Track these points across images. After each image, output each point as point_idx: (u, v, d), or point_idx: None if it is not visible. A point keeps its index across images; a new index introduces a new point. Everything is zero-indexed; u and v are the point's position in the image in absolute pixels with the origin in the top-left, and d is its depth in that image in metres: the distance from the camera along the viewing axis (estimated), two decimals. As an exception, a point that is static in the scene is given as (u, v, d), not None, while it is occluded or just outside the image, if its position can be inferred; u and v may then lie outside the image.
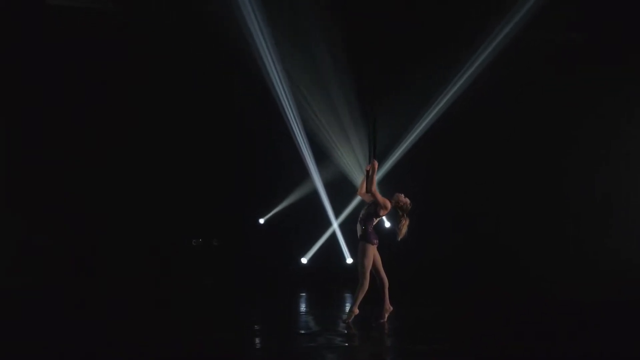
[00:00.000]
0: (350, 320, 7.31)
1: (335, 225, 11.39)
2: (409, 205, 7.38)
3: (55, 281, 10.20)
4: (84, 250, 10.70)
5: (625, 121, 11.59)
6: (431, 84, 10.91)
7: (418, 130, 11.12)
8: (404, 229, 7.35)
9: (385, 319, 7.41)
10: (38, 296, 9.25)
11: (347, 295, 9.95)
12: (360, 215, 7.40)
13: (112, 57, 10.53)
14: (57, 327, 7.13)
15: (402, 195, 7.39)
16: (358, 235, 7.35)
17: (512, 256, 11.39)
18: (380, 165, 8.13)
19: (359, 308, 7.33)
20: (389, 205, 7.27)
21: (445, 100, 10.96)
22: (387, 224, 7.90)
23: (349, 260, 11.28)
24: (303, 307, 9.49)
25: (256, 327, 7.53)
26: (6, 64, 10.21)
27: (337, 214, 11.38)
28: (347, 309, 7.53)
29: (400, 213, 7.38)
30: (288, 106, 10.78)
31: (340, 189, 11.14)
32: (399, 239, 7.38)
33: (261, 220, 11.66)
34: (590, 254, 11.41)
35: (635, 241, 11.41)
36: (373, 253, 7.27)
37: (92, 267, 10.70)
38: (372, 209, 7.30)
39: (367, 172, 7.39)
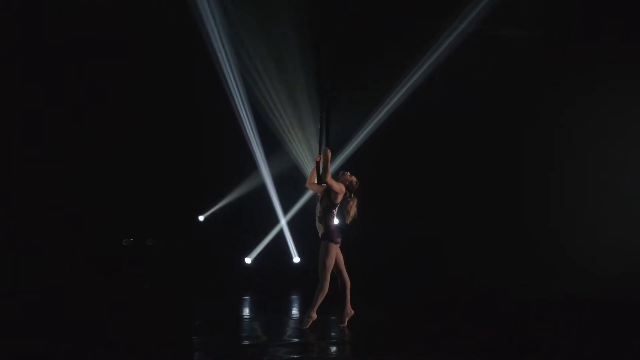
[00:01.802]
0: (307, 327, 6.78)
1: (282, 222, 10.67)
2: (355, 184, 7.02)
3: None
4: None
5: (581, 121, 11.33)
6: (384, 81, 10.59)
7: (367, 130, 10.63)
8: (352, 211, 6.96)
9: (346, 324, 6.97)
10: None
11: (295, 297, 9.54)
12: (318, 213, 6.88)
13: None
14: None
15: (348, 173, 7.03)
16: (319, 234, 6.85)
17: (459, 258, 11.17)
18: (334, 157, 7.74)
19: (316, 313, 6.82)
20: (344, 188, 6.87)
21: (395, 100, 10.62)
22: (336, 221, 7.14)
23: (296, 260, 10.73)
24: (247, 312, 8.69)
25: (195, 338, 6.63)
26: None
27: (285, 210, 10.66)
28: (301, 313, 7.01)
29: (348, 194, 6.97)
30: (235, 87, 10.02)
31: (291, 182, 10.55)
32: (348, 222, 6.98)
33: (201, 218, 10.90)
34: (540, 254, 11.26)
35: (589, 242, 11.27)
36: (336, 253, 6.80)
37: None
38: (327, 200, 6.82)
39: (317, 163, 6.97)
